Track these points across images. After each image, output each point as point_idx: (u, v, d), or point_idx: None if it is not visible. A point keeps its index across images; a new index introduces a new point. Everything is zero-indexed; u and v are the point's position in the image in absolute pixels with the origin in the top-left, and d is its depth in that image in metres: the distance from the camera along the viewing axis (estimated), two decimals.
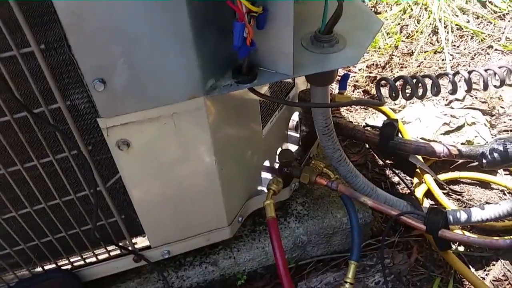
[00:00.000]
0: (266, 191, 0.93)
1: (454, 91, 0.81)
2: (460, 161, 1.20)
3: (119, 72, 0.60)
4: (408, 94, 0.79)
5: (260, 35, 0.64)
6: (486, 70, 0.82)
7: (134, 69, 0.60)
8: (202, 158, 0.76)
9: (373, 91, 1.61)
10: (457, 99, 1.49)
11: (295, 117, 1.08)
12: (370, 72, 1.70)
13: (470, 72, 0.82)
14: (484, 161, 0.89)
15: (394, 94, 0.76)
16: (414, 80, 0.78)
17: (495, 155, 0.87)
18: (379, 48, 1.78)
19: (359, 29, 0.78)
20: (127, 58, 0.59)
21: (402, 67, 1.72)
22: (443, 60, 1.73)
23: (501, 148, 0.86)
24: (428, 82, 0.80)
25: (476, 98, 1.50)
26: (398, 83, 0.79)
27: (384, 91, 0.80)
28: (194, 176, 0.78)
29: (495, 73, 0.82)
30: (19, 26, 0.55)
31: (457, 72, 0.82)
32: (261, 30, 0.64)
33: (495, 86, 0.83)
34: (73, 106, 0.65)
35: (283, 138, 1.08)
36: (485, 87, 0.82)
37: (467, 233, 1.04)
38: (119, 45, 0.58)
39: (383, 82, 0.78)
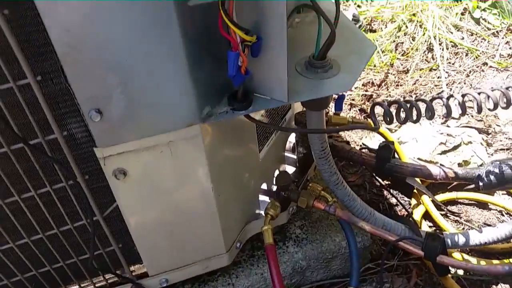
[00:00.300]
0: (264, 215, 0.92)
1: (448, 115, 0.81)
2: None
3: (115, 102, 0.60)
4: (402, 119, 0.80)
5: (254, 63, 0.65)
6: (479, 93, 0.83)
7: (130, 99, 0.61)
8: (199, 185, 0.76)
9: (370, 109, 1.62)
10: (453, 118, 1.50)
11: (292, 138, 1.08)
12: (366, 91, 1.71)
13: (463, 96, 0.83)
14: (481, 183, 0.89)
15: (388, 119, 0.77)
16: (408, 105, 0.79)
17: (492, 177, 0.87)
18: (375, 66, 1.80)
19: (352, 54, 0.79)
20: (123, 88, 0.59)
21: (397, 85, 1.73)
22: (438, 77, 1.74)
23: (497, 170, 0.87)
24: (423, 105, 0.81)
25: (472, 116, 1.51)
26: (392, 107, 0.80)
27: (380, 110, 0.81)
28: (191, 203, 0.78)
29: (488, 96, 0.82)
30: (16, 58, 0.56)
31: (451, 96, 0.83)
32: (255, 58, 0.64)
33: (489, 109, 0.83)
34: (70, 135, 0.66)
35: (280, 160, 1.09)
36: (479, 111, 0.83)
37: (466, 256, 1.04)
38: (114, 76, 0.58)
39: (377, 106, 0.78)
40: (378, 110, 0.85)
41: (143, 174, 0.71)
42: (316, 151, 0.87)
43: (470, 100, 0.84)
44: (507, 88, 0.83)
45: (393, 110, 0.80)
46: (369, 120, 1.58)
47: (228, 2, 0.56)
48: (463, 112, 0.82)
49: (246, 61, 0.62)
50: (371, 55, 0.80)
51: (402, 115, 0.81)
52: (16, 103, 0.60)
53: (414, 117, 0.79)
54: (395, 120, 0.80)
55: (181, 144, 0.69)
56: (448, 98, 0.82)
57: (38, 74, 0.58)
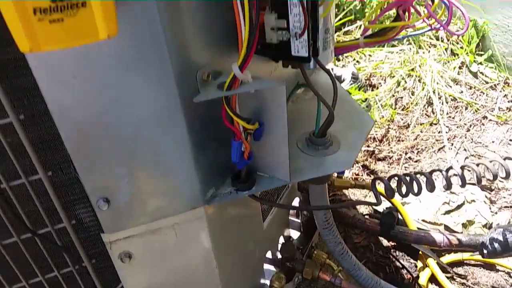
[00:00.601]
0: (268, 285, 0.92)
1: (448, 187, 0.82)
2: None
3: (123, 192, 0.62)
4: (404, 192, 0.81)
5: (257, 144, 0.67)
6: (477, 165, 0.84)
7: (137, 188, 0.63)
8: (203, 262, 0.76)
9: (372, 166, 1.63)
10: (455, 175, 1.51)
11: (296, 202, 1.09)
12: (368, 146, 1.73)
13: (462, 168, 0.84)
14: (485, 251, 0.89)
15: (389, 193, 0.78)
16: (408, 178, 0.81)
17: (495, 245, 0.87)
18: (376, 121, 1.82)
19: (351, 129, 0.82)
20: (130, 179, 0.62)
21: (399, 140, 1.75)
22: (439, 132, 1.76)
23: (500, 238, 0.87)
24: (423, 178, 0.82)
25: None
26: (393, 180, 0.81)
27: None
28: (195, 279, 0.79)
29: (487, 167, 0.84)
30: (26, 152, 0.58)
31: (450, 167, 0.84)
32: (258, 141, 0.67)
33: (488, 180, 0.84)
34: (78, 221, 0.67)
35: (284, 225, 1.09)
36: (479, 182, 0.84)
37: None
38: (122, 167, 0.60)
39: (378, 181, 0.80)
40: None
41: (148, 256, 0.72)
42: (320, 222, 0.88)
43: (469, 171, 0.85)
44: (505, 159, 0.85)
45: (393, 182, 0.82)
46: (371, 177, 1.59)
47: (231, 97, 0.59)
48: (463, 184, 0.83)
49: (249, 148, 0.64)
50: (369, 130, 0.83)
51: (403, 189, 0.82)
52: (26, 193, 0.62)
53: (416, 191, 0.81)
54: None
55: (185, 226, 0.70)
56: (447, 171, 0.84)
57: (49, 168, 0.60)
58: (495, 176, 0.83)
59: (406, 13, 0.69)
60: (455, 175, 0.84)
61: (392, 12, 0.71)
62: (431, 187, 0.82)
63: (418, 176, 0.81)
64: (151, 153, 0.61)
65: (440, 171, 0.84)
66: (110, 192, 0.62)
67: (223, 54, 0.63)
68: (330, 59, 0.76)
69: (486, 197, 1.36)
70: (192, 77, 0.57)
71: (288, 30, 0.62)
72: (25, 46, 0.39)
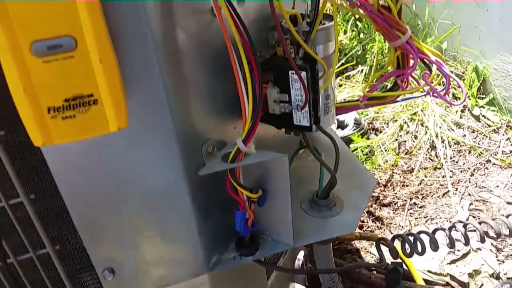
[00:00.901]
0: None
1: (452, 246, 0.83)
2: None
3: (128, 262, 0.63)
4: (408, 252, 0.81)
5: (261, 209, 0.68)
6: (480, 223, 0.85)
7: (141, 259, 0.64)
8: None
9: (377, 213, 1.63)
10: (460, 221, 1.51)
11: (300, 256, 1.09)
12: (372, 191, 1.73)
13: (465, 226, 0.84)
14: None
15: (393, 255, 0.78)
16: (412, 238, 0.81)
17: None
18: (379, 165, 1.83)
19: (354, 189, 0.83)
20: (135, 249, 0.63)
21: (403, 185, 1.75)
22: (443, 176, 1.77)
23: None
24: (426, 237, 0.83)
25: (479, 219, 1.51)
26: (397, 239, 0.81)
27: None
28: None
29: (490, 226, 0.84)
30: (34, 226, 0.59)
31: (453, 226, 0.85)
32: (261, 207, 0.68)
33: (491, 238, 0.85)
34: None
35: (289, 279, 1.09)
36: (482, 240, 0.85)
37: None
38: (128, 239, 0.62)
39: (382, 242, 0.80)
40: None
41: None
42: (325, 281, 0.88)
43: (473, 230, 0.86)
44: (507, 216, 0.85)
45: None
46: (376, 224, 1.59)
47: (236, 168, 0.61)
48: (467, 242, 0.83)
49: (253, 216, 0.65)
50: (372, 190, 0.84)
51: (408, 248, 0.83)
52: (32, 265, 0.63)
53: (420, 250, 0.81)
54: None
55: None
56: (450, 229, 0.84)
57: (56, 240, 0.61)
58: (498, 235, 0.83)
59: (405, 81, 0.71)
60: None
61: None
62: (434, 246, 0.82)
63: (421, 235, 0.82)
64: (156, 225, 0.62)
65: (443, 229, 0.84)
66: (116, 263, 0.63)
67: (227, 122, 0.65)
68: (332, 122, 0.79)
69: (492, 244, 1.35)
70: (197, 151, 0.59)
71: (290, 103, 0.64)
72: (38, 140, 0.41)
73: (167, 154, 0.56)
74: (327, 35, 0.67)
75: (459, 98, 2.04)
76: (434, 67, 0.63)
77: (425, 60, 0.64)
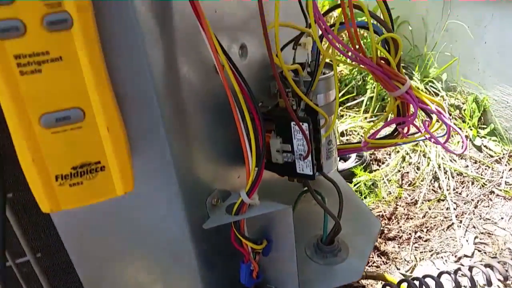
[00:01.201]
0: None
1: None
2: None
3: None
4: None
5: (265, 259, 0.68)
6: (486, 266, 0.84)
7: None
8: None
9: (382, 247, 1.62)
10: (465, 255, 1.50)
11: None
12: (378, 236, 1.72)
13: (471, 269, 0.84)
14: None
15: None
16: (417, 283, 0.80)
17: None
18: (383, 198, 1.83)
19: (359, 234, 0.82)
20: None
21: (408, 218, 1.74)
22: (447, 208, 1.76)
23: None
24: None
25: (485, 253, 1.50)
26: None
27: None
28: None
29: (497, 269, 0.84)
30: (39, 280, 0.60)
31: (458, 269, 0.84)
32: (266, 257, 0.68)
33: (499, 280, 0.84)
34: None
35: None
36: (489, 284, 0.84)
37: None
38: None
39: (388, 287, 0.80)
40: None
41: None
42: None
43: (478, 273, 0.85)
44: None
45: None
46: (382, 258, 1.58)
47: (240, 220, 0.61)
48: (473, 286, 0.83)
49: (258, 268, 0.65)
50: (377, 234, 0.84)
51: None
52: None
53: None
54: None
55: None
56: (455, 273, 0.83)
57: None
58: (505, 278, 0.82)
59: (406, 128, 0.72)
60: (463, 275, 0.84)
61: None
62: None
63: (427, 279, 0.81)
64: (161, 279, 0.62)
65: (449, 273, 0.84)
66: None
67: (231, 171, 0.65)
68: (334, 166, 0.79)
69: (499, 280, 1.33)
70: (202, 204, 0.60)
71: (293, 152, 0.64)
72: (46, 207, 0.42)
73: (172, 211, 0.56)
74: (328, 84, 0.69)
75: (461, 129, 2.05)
76: (434, 116, 0.64)
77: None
